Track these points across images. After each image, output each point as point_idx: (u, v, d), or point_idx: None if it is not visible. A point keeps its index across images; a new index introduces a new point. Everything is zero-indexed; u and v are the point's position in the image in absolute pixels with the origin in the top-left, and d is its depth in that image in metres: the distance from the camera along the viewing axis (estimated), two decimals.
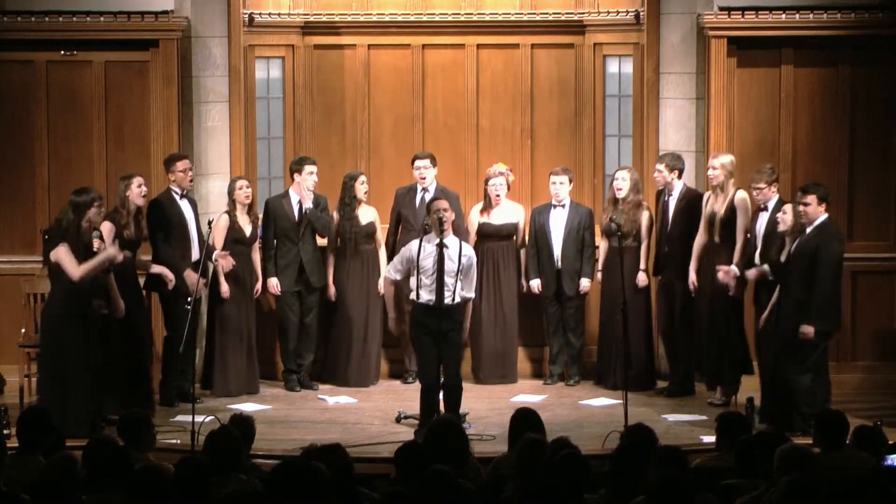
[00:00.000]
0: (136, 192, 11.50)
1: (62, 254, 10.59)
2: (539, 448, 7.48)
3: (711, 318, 11.77)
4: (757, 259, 11.40)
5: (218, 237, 11.95)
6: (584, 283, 12.50)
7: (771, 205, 11.32)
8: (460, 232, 11.66)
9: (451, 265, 10.66)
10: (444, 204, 10.81)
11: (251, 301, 12.25)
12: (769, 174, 11.38)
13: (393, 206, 12.69)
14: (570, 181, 12.54)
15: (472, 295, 10.94)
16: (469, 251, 10.92)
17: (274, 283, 12.36)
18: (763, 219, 11.38)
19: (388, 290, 11.20)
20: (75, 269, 10.54)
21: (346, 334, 12.55)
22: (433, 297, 10.66)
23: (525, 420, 8.35)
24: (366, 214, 12.56)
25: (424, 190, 12.45)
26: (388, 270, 11.07)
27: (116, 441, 7.76)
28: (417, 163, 12.51)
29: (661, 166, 12.05)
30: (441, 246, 10.66)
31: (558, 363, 12.64)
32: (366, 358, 12.56)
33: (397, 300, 11.29)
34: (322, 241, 12.53)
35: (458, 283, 10.66)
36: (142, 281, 11.69)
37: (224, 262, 11.92)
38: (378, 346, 12.63)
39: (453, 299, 10.68)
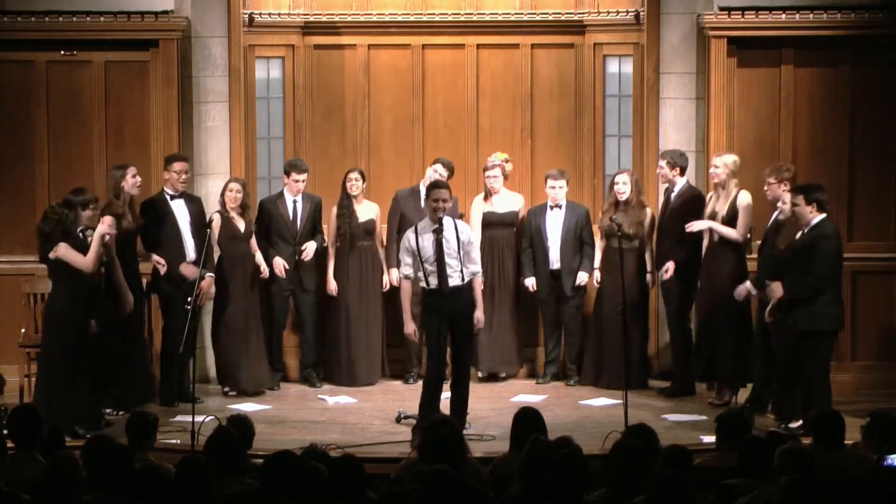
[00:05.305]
0: (132, 181, 11.54)
1: (64, 252, 10.56)
2: (550, 451, 7.45)
3: (714, 318, 11.78)
4: (754, 253, 11.48)
5: (215, 237, 11.91)
6: (582, 276, 12.46)
7: (779, 204, 11.34)
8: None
9: (449, 247, 10.62)
10: (444, 194, 10.68)
11: (254, 294, 12.21)
12: (779, 172, 11.37)
13: (393, 208, 12.63)
14: (567, 183, 12.53)
15: (478, 268, 10.88)
16: (464, 227, 10.90)
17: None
18: (771, 217, 11.41)
19: (405, 289, 10.88)
20: (85, 262, 10.54)
21: (346, 332, 12.53)
22: (439, 281, 10.64)
23: (528, 420, 8.33)
24: (365, 211, 12.54)
25: None
26: (402, 269, 10.84)
27: (116, 441, 7.75)
28: (437, 166, 12.30)
29: (662, 162, 12.06)
30: (437, 231, 10.60)
31: (554, 363, 12.64)
32: (369, 355, 12.54)
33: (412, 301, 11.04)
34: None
35: (461, 263, 10.65)
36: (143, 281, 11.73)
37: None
38: (381, 342, 12.61)
39: (462, 279, 10.68)
